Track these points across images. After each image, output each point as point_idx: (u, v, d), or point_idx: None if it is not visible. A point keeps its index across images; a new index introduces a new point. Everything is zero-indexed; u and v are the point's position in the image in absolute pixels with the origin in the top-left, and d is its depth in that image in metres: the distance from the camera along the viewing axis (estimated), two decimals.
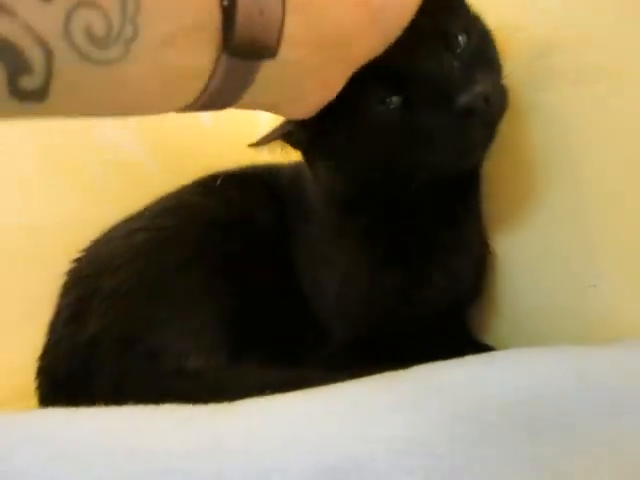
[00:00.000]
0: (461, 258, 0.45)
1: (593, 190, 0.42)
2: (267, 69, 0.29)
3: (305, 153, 0.43)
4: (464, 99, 0.34)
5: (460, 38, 0.37)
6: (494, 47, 0.40)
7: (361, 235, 0.45)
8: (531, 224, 0.47)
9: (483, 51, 0.38)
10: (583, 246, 0.43)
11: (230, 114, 0.35)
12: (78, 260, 0.49)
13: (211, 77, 0.28)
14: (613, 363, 0.34)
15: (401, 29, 0.33)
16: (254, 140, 0.40)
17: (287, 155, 0.42)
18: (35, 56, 0.23)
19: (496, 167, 0.47)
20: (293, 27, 0.28)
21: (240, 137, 0.45)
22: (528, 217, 0.47)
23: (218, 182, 0.49)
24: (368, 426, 0.24)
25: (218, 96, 0.29)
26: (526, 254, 0.48)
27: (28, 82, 0.23)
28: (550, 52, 0.43)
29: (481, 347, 0.49)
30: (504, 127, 0.40)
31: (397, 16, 0.33)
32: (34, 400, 0.45)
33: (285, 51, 0.29)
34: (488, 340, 0.51)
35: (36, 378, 0.44)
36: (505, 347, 0.49)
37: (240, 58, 0.28)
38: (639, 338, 0.38)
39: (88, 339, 0.42)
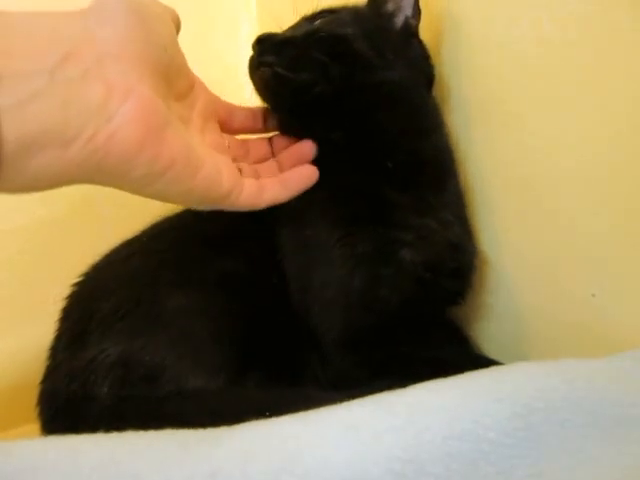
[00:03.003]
0: (425, 220, 0.46)
1: (593, 198, 0.42)
2: None
3: None
4: None
5: None
6: None
7: (329, 203, 0.46)
8: (529, 232, 0.48)
9: None
10: (583, 255, 0.44)
11: None
12: (78, 284, 0.50)
13: None
14: (613, 375, 0.34)
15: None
16: None
17: None
18: None
19: (491, 173, 0.49)
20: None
21: None
22: (525, 225, 0.48)
23: None
24: (366, 448, 0.24)
25: None
26: (523, 262, 0.49)
27: None
28: None
29: (482, 361, 0.49)
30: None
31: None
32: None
33: None
34: (486, 349, 0.52)
35: (37, 403, 0.45)
36: (502, 355, 0.50)
37: None
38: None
39: (86, 363, 0.42)
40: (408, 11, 0.50)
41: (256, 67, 0.46)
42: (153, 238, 0.50)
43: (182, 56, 0.39)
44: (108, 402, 0.40)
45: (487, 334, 0.52)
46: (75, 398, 0.41)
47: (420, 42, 0.51)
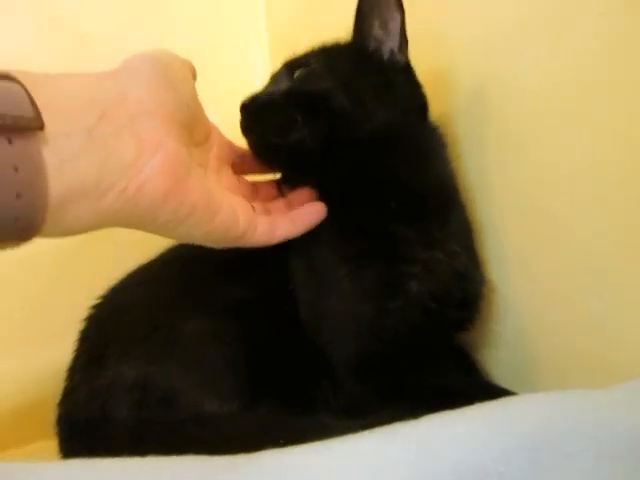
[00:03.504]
0: (432, 252, 0.46)
1: (601, 228, 0.43)
2: None
3: None
4: None
5: None
6: None
7: (337, 239, 0.47)
8: (537, 259, 0.49)
9: None
10: (593, 283, 0.44)
11: None
12: (95, 306, 0.51)
13: None
14: (620, 406, 0.35)
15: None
16: None
17: None
18: None
19: (500, 201, 0.50)
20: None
21: None
22: (534, 252, 0.49)
23: None
24: None
25: None
26: (532, 289, 0.49)
27: None
28: None
29: (491, 388, 0.49)
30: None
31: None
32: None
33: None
34: (495, 375, 0.53)
35: (56, 422, 0.46)
36: (511, 381, 0.50)
37: None
38: None
39: (105, 385, 0.44)
40: (394, 44, 0.48)
41: (245, 134, 0.48)
42: (168, 263, 0.51)
43: (201, 108, 0.42)
44: (127, 424, 0.41)
45: (496, 360, 0.53)
46: (94, 419, 0.42)
47: (409, 73, 0.50)
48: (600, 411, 0.34)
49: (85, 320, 0.51)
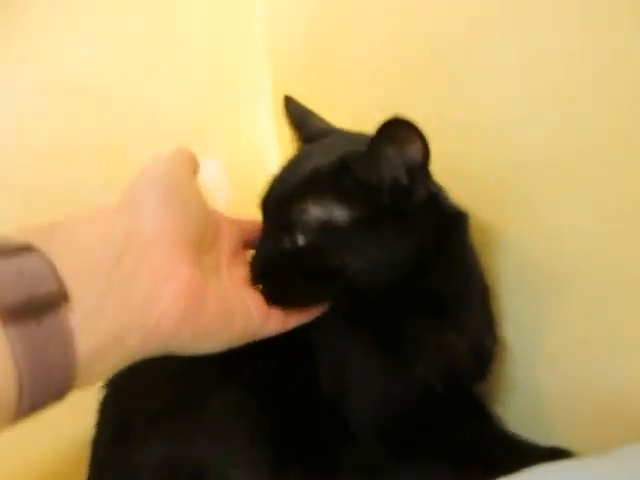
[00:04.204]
0: (445, 337, 0.46)
1: (608, 275, 0.44)
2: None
3: None
4: None
5: None
6: None
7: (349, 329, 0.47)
8: (544, 309, 0.50)
9: None
10: (604, 336, 0.45)
11: None
12: (115, 375, 0.51)
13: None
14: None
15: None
16: None
17: None
18: None
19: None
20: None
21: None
22: (541, 304, 0.50)
23: None
24: None
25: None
26: (541, 339, 0.51)
27: None
28: None
29: (505, 439, 0.51)
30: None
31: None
32: None
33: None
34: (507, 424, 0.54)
35: None
36: (525, 429, 0.52)
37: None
38: None
39: (134, 464, 0.44)
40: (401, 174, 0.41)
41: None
42: None
43: (209, 213, 0.41)
44: None
45: (509, 409, 0.54)
46: None
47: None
48: None
49: (105, 386, 0.51)
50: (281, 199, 0.44)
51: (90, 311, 0.29)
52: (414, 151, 0.39)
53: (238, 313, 0.38)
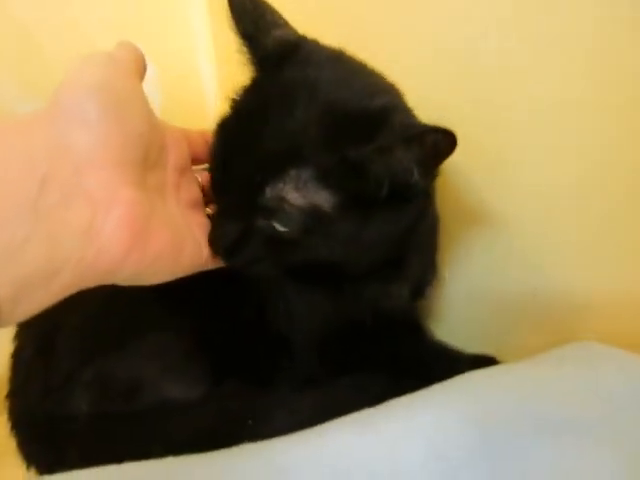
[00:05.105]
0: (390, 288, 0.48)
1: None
2: None
3: None
4: None
5: None
6: None
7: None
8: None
9: None
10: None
11: None
12: None
13: None
14: (558, 378, 0.39)
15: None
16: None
17: None
18: None
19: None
20: None
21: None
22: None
23: None
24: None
25: None
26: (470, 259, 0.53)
27: None
28: None
29: (436, 348, 0.54)
30: None
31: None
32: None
33: None
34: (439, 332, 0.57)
35: (9, 418, 0.44)
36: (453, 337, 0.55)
37: None
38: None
39: (61, 381, 0.42)
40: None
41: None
42: None
43: (155, 123, 0.35)
44: (88, 420, 0.41)
45: (442, 323, 0.57)
46: (53, 417, 0.41)
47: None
48: (540, 387, 0.38)
49: None
50: (250, 172, 0.35)
51: (13, 248, 0.25)
52: (438, 161, 0.36)
53: (186, 244, 0.35)
